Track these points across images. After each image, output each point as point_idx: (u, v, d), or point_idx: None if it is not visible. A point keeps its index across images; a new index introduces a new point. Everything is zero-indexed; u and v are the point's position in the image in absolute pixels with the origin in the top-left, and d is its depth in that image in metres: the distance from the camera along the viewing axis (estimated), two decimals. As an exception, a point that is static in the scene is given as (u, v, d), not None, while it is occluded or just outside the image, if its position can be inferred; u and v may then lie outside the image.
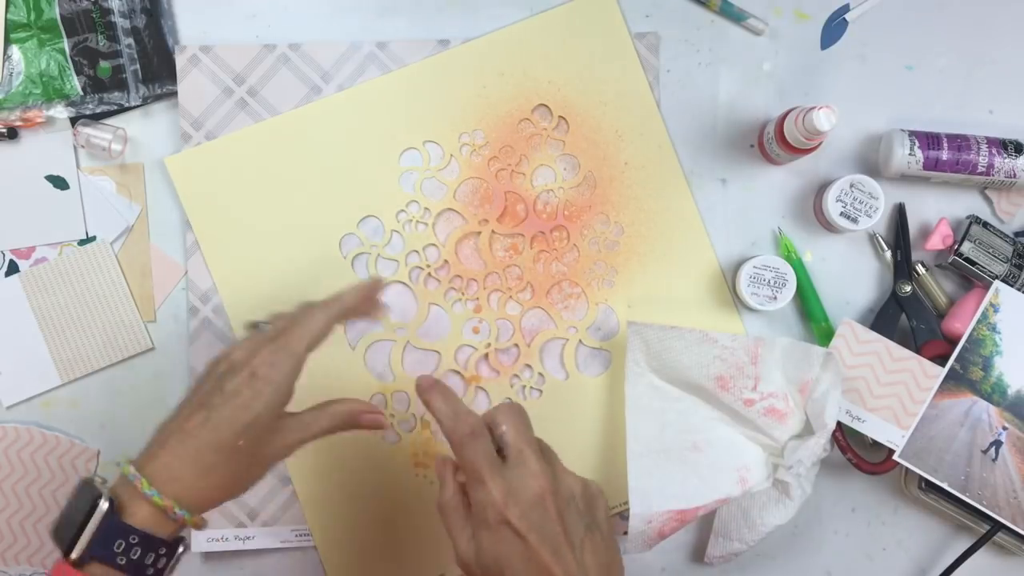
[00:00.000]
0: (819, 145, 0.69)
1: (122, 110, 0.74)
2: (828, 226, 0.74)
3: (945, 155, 0.71)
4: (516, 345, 0.74)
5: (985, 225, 0.72)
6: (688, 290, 0.74)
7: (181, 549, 0.56)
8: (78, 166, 0.74)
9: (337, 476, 0.74)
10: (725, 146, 0.75)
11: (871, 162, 0.75)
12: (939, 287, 0.74)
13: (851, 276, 0.75)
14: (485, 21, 0.75)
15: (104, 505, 0.54)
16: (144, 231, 0.74)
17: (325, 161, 0.74)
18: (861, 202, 0.71)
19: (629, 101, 0.74)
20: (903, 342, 0.72)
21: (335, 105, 0.74)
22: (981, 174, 0.72)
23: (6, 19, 0.73)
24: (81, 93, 0.73)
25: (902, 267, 0.73)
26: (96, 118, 0.74)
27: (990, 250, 0.72)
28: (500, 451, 0.55)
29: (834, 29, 0.75)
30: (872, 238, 0.75)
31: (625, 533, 0.71)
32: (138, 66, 0.73)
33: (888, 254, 0.74)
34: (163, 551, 0.55)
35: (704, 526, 0.75)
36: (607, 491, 0.74)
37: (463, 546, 0.54)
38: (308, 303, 0.63)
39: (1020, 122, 0.75)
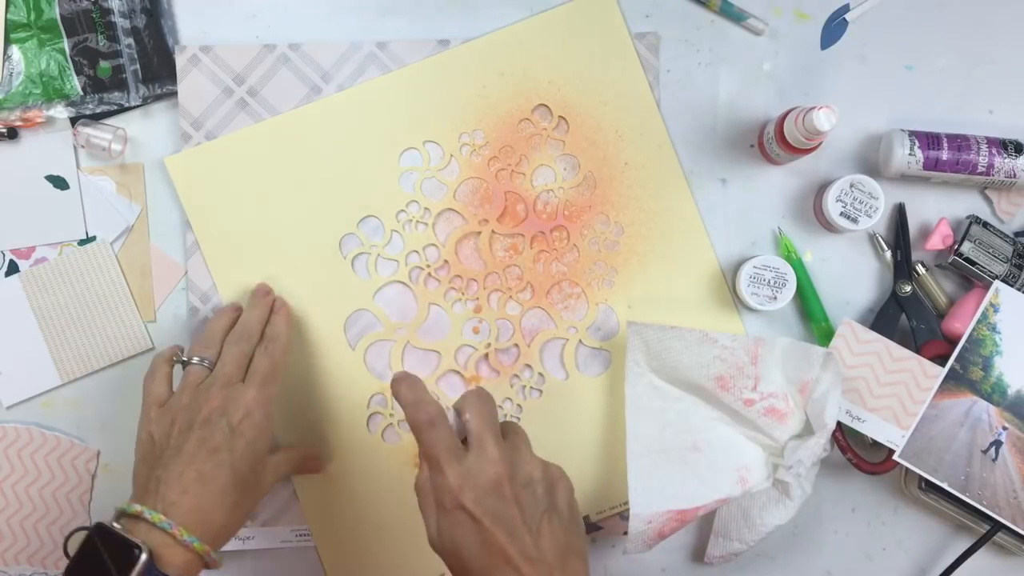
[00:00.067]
0: (819, 145, 0.69)
1: (122, 110, 0.74)
2: (828, 226, 0.74)
3: (945, 155, 0.71)
4: (516, 345, 0.74)
5: (985, 225, 0.72)
6: (688, 290, 0.74)
7: None
8: (78, 166, 0.74)
9: (337, 476, 0.74)
10: (725, 146, 0.75)
11: (871, 162, 0.75)
12: (939, 287, 0.74)
13: (851, 276, 0.75)
14: (485, 21, 0.75)
15: (144, 557, 0.55)
16: (144, 231, 0.74)
17: (325, 161, 0.74)
18: (861, 202, 0.71)
19: (629, 101, 0.74)
20: (903, 342, 0.72)
21: (335, 105, 0.74)
22: (981, 174, 0.72)
23: (6, 19, 0.73)
24: (81, 93, 0.73)
25: (902, 267, 0.73)
26: (96, 118, 0.74)
27: (990, 250, 0.72)
28: (465, 440, 0.56)
29: (834, 29, 0.75)
30: (872, 238, 0.75)
31: (625, 533, 0.71)
32: (138, 66, 0.73)
33: (888, 254, 0.74)
34: None
35: (704, 526, 0.75)
36: (607, 491, 0.74)
37: (430, 527, 0.55)
38: (235, 332, 0.68)
39: (1020, 122, 0.75)
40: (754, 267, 0.72)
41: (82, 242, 0.74)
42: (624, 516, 0.74)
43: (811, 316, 0.74)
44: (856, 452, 0.72)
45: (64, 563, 0.73)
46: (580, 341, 0.74)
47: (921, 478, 0.72)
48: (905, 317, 0.73)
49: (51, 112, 0.73)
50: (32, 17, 0.73)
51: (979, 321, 0.71)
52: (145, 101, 0.74)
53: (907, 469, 0.72)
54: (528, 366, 0.74)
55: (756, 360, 0.70)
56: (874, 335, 0.71)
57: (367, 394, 0.74)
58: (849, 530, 0.76)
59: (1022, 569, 0.76)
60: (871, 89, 0.75)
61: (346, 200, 0.74)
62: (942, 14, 0.76)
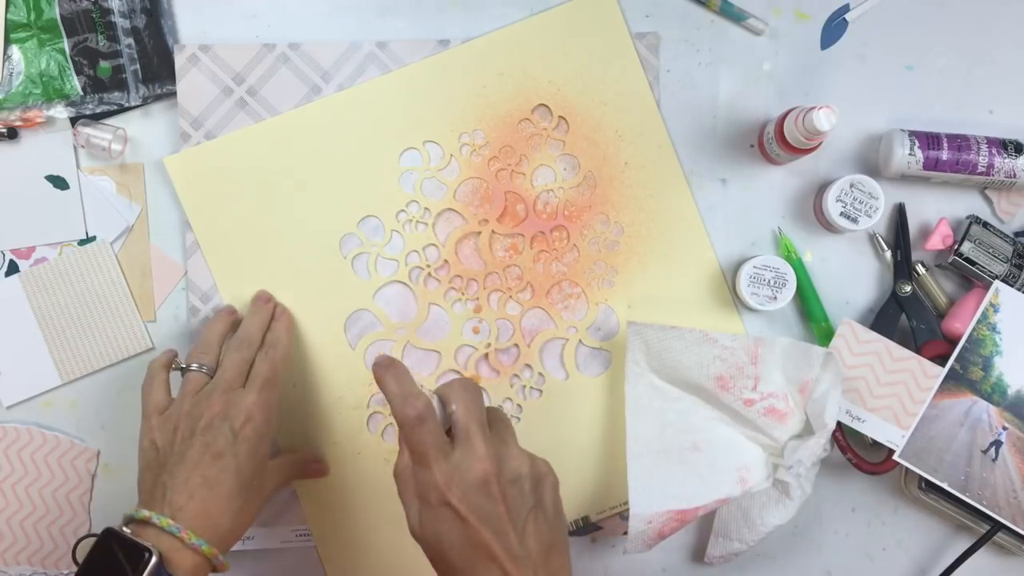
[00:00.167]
0: (819, 145, 0.69)
1: (122, 110, 0.74)
2: (828, 226, 0.74)
3: (945, 155, 0.71)
4: (516, 345, 0.74)
5: (985, 225, 0.72)
6: (688, 290, 0.74)
7: None
8: (78, 166, 0.74)
9: (337, 477, 0.74)
10: (725, 146, 0.75)
11: (871, 162, 0.75)
12: (939, 287, 0.74)
13: (851, 276, 0.75)
14: (485, 21, 0.75)
15: (154, 559, 0.56)
16: (144, 231, 0.74)
17: (325, 161, 0.74)
18: (861, 202, 0.71)
19: (629, 101, 0.74)
20: (903, 342, 0.72)
21: (335, 105, 0.74)
22: (981, 174, 0.72)
23: (6, 19, 0.73)
24: (81, 93, 0.73)
25: (902, 267, 0.73)
26: (96, 118, 0.74)
27: (990, 250, 0.72)
28: (449, 430, 0.56)
29: (834, 29, 0.75)
30: (872, 238, 0.75)
31: (625, 533, 0.71)
32: (138, 66, 0.73)
33: (888, 254, 0.74)
34: None
35: (704, 526, 0.75)
36: (607, 491, 0.74)
37: (411, 517, 0.55)
38: (236, 337, 0.69)
39: (1020, 122, 0.75)
40: (754, 267, 0.72)
41: (82, 242, 0.74)
42: (624, 516, 0.74)
43: (811, 316, 0.74)
44: (856, 452, 0.72)
45: (66, 565, 0.73)
46: (580, 341, 0.74)
47: (921, 478, 0.72)
48: (905, 317, 0.73)
49: (51, 112, 0.73)
50: (32, 17, 0.73)
51: (979, 321, 0.71)
52: (145, 101, 0.74)
53: (907, 469, 0.72)
54: (528, 366, 0.74)
55: (756, 360, 0.69)
56: (874, 335, 0.71)
57: (367, 394, 0.74)
58: (849, 530, 0.76)
59: (1022, 569, 0.76)
60: (871, 89, 0.75)
61: (346, 200, 0.74)
62: (942, 14, 0.76)
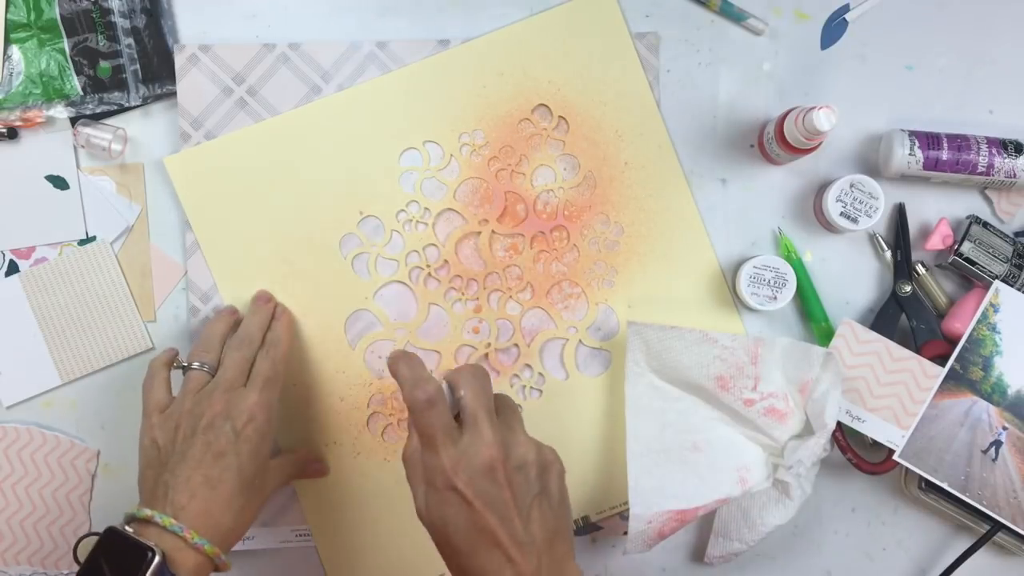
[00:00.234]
0: (819, 145, 0.69)
1: (122, 110, 0.74)
2: (828, 226, 0.74)
3: (945, 155, 0.71)
4: (516, 345, 0.74)
5: (985, 225, 0.72)
6: (688, 290, 0.74)
7: None
8: (78, 166, 0.74)
9: (337, 476, 0.74)
10: (725, 146, 0.75)
11: (871, 162, 0.75)
12: (939, 287, 0.74)
13: (851, 276, 0.75)
14: (485, 21, 0.75)
15: (157, 559, 0.56)
16: (144, 231, 0.74)
17: (325, 161, 0.74)
18: (861, 202, 0.71)
19: (629, 101, 0.74)
20: (903, 342, 0.72)
21: (335, 105, 0.74)
22: (981, 174, 0.72)
23: (6, 19, 0.73)
24: (81, 93, 0.73)
25: (902, 267, 0.73)
26: (96, 118, 0.74)
27: (990, 250, 0.72)
28: (458, 416, 0.56)
29: (834, 29, 0.75)
30: (872, 238, 0.75)
31: (625, 533, 0.71)
32: (138, 66, 0.73)
33: (888, 254, 0.74)
34: None
35: (704, 526, 0.75)
36: (607, 491, 0.74)
37: (418, 500, 0.55)
38: (236, 337, 0.69)
39: (1020, 122, 0.75)
40: (754, 267, 0.72)
41: (82, 242, 0.74)
42: (624, 516, 0.74)
43: (811, 316, 0.74)
44: (856, 452, 0.72)
45: (67, 564, 0.73)
46: (580, 341, 0.74)
47: (921, 478, 0.72)
48: (905, 317, 0.73)
49: (51, 112, 0.73)
50: (32, 17, 0.73)
51: (979, 321, 0.71)
52: (145, 101, 0.74)
53: (907, 469, 0.72)
54: (528, 366, 0.74)
55: (756, 360, 0.70)
56: (874, 335, 0.71)
57: (367, 394, 0.74)
58: (849, 530, 0.76)
59: (1022, 569, 0.76)
60: (871, 89, 0.75)
61: (346, 200, 0.74)
62: (942, 14, 0.76)
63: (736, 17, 0.75)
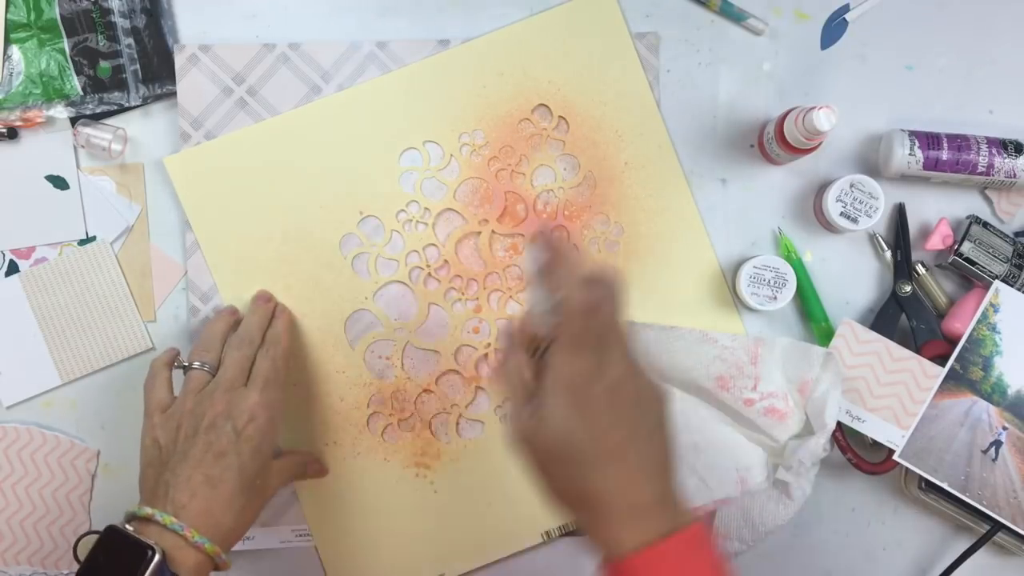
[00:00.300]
0: (819, 145, 0.69)
1: (122, 110, 0.74)
2: (828, 226, 0.74)
3: (945, 155, 0.71)
4: (516, 345, 0.74)
5: (985, 225, 0.72)
6: (688, 290, 0.74)
7: None
8: (78, 166, 0.74)
9: (337, 476, 0.74)
10: (725, 146, 0.75)
11: (871, 162, 0.75)
12: (939, 287, 0.74)
13: (851, 276, 0.75)
14: (485, 21, 0.75)
15: (157, 557, 0.56)
16: (144, 231, 0.74)
17: (325, 161, 0.74)
18: (861, 202, 0.71)
19: (629, 101, 0.74)
20: (903, 342, 0.72)
21: (335, 105, 0.74)
22: (981, 174, 0.72)
23: (6, 19, 0.73)
24: (81, 93, 0.73)
25: (902, 267, 0.73)
26: (96, 118, 0.74)
27: (990, 250, 0.72)
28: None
29: (834, 29, 0.75)
30: (872, 238, 0.75)
31: (625, 533, 0.71)
32: (138, 66, 0.73)
33: (888, 254, 0.74)
34: None
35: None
36: (607, 491, 0.74)
37: (523, 418, 0.52)
38: (236, 336, 0.68)
39: (1020, 122, 0.75)
40: (754, 267, 0.72)
41: (82, 242, 0.74)
42: (624, 516, 0.74)
43: (811, 316, 0.74)
44: (856, 452, 0.72)
45: (67, 564, 0.73)
46: (580, 341, 0.74)
47: (921, 478, 0.72)
48: (905, 317, 0.73)
49: (51, 112, 0.73)
50: (32, 17, 0.73)
51: (979, 321, 0.71)
52: (145, 101, 0.74)
53: (907, 469, 0.72)
54: (528, 366, 0.74)
55: (756, 360, 0.69)
56: (874, 335, 0.71)
57: (367, 394, 0.74)
58: (849, 530, 0.76)
59: (1022, 569, 0.76)
60: (871, 89, 0.75)
61: (346, 200, 0.74)
62: (942, 14, 0.76)
63: (736, 17, 0.75)
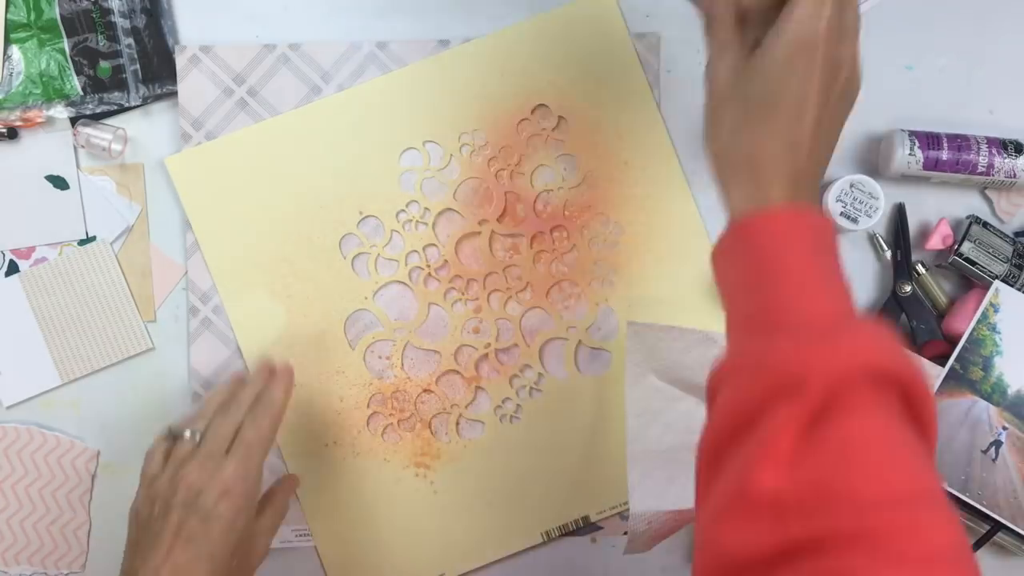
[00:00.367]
0: (819, 145, 0.69)
1: (122, 110, 0.74)
2: (828, 226, 0.73)
3: (945, 155, 0.71)
4: (516, 345, 0.74)
5: (985, 225, 0.72)
6: (688, 290, 0.74)
7: None
8: (78, 166, 0.74)
9: (337, 476, 0.74)
10: (725, 146, 0.75)
11: (871, 162, 0.75)
12: (939, 287, 0.74)
13: (851, 276, 0.74)
14: (485, 21, 0.75)
15: None
16: (144, 231, 0.74)
17: (325, 161, 0.74)
18: (861, 202, 0.71)
19: (629, 101, 0.74)
20: (903, 342, 0.72)
21: (335, 105, 0.74)
22: (981, 174, 0.72)
23: (6, 19, 0.73)
24: (81, 93, 0.73)
25: (902, 267, 0.73)
26: (96, 118, 0.74)
27: (990, 250, 0.72)
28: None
29: (834, 29, 0.75)
30: (872, 238, 0.75)
31: (625, 533, 0.71)
32: (138, 66, 0.73)
33: (888, 254, 0.74)
34: None
35: (704, 526, 0.75)
36: (607, 491, 0.74)
37: (724, 66, 0.51)
38: (225, 403, 0.65)
39: (1020, 122, 0.75)
40: (754, 267, 0.72)
41: (82, 242, 0.74)
42: (624, 516, 0.74)
43: (811, 316, 0.74)
44: (856, 452, 0.72)
45: (66, 565, 0.73)
46: (580, 341, 0.74)
47: (921, 478, 0.71)
48: (905, 317, 0.73)
49: (51, 112, 0.73)
50: (32, 17, 0.73)
51: (979, 321, 0.71)
52: (145, 101, 0.74)
53: (907, 469, 0.71)
54: (528, 366, 0.74)
55: (756, 360, 0.69)
56: (874, 335, 0.71)
57: (367, 394, 0.74)
58: (849, 530, 0.76)
59: (1022, 569, 0.76)
60: (871, 89, 0.75)
61: (346, 200, 0.74)
62: (942, 14, 0.76)
63: (736, 17, 0.75)
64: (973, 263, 0.71)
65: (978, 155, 0.71)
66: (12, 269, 0.74)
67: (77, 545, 0.74)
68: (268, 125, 0.74)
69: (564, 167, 0.75)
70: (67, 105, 0.73)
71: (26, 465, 0.74)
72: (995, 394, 0.71)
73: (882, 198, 0.71)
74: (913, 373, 0.45)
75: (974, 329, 0.71)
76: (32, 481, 0.74)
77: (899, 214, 0.74)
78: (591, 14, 0.74)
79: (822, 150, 0.52)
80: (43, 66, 0.73)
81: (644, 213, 0.75)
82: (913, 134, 0.72)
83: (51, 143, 0.74)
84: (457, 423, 0.74)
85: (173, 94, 0.74)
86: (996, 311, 0.71)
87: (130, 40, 0.73)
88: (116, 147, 0.73)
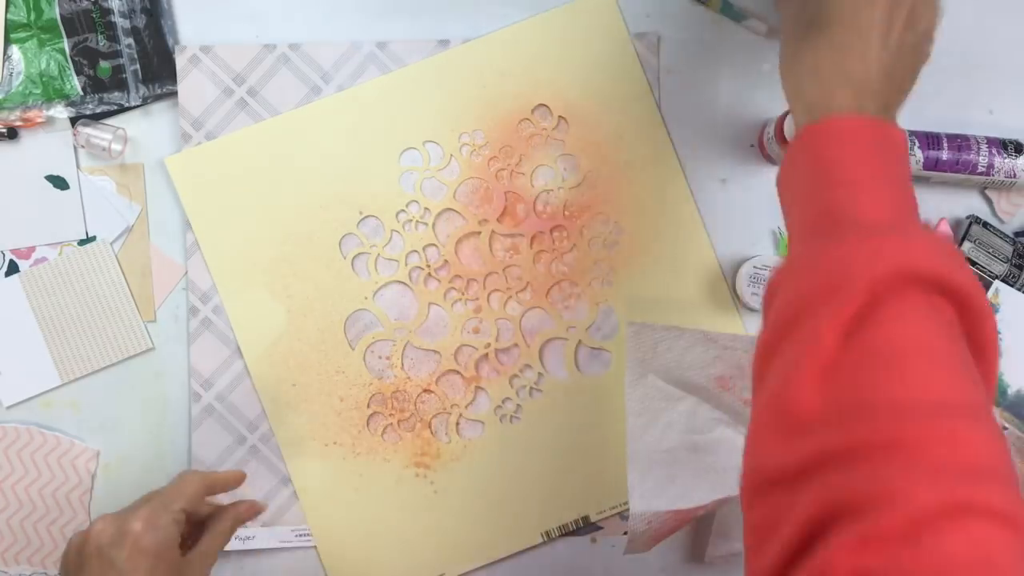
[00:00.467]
0: (819, 145, 0.69)
1: (122, 110, 0.74)
2: (828, 226, 0.73)
3: (945, 155, 0.71)
4: (516, 345, 0.74)
5: (985, 225, 0.72)
6: (688, 290, 0.74)
7: None
8: (78, 166, 0.74)
9: (337, 476, 0.74)
10: (725, 146, 0.75)
11: (871, 162, 0.75)
12: (939, 287, 0.74)
13: (851, 276, 0.75)
14: (485, 21, 0.75)
15: None
16: (144, 231, 0.74)
17: (325, 161, 0.74)
18: (861, 202, 0.71)
19: (629, 101, 0.74)
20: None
21: (335, 105, 0.74)
22: (981, 174, 0.72)
23: (6, 19, 0.73)
24: (81, 93, 0.73)
25: (902, 267, 0.73)
26: (96, 118, 0.74)
27: (990, 250, 0.72)
28: None
29: (834, 29, 0.75)
30: (872, 238, 0.75)
31: (625, 533, 0.71)
32: (138, 66, 0.73)
33: (888, 254, 0.74)
34: None
35: (704, 526, 0.75)
36: (607, 491, 0.74)
37: (876, 51, 0.52)
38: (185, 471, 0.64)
39: (1020, 122, 0.75)
40: (754, 267, 0.72)
41: (82, 242, 0.74)
42: (624, 516, 0.74)
43: (811, 316, 0.74)
44: (856, 452, 0.72)
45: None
46: (580, 341, 0.74)
47: (921, 478, 0.71)
48: (905, 317, 0.73)
49: (51, 112, 0.73)
50: (32, 17, 0.73)
51: (979, 321, 0.71)
52: (145, 101, 0.74)
53: (907, 469, 0.71)
54: (528, 366, 0.74)
55: (756, 360, 0.69)
56: (874, 335, 0.71)
57: (367, 394, 0.74)
58: (849, 530, 0.76)
59: (1022, 569, 0.76)
60: (871, 89, 0.75)
61: (346, 200, 0.74)
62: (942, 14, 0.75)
63: (736, 17, 0.75)
64: (973, 263, 0.71)
65: (978, 155, 0.71)
66: (12, 269, 0.74)
67: (77, 545, 0.74)
68: (268, 125, 0.74)
69: (564, 167, 0.75)
70: (67, 105, 0.73)
71: (26, 465, 0.74)
72: (995, 394, 0.71)
73: (882, 198, 0.71)
74: (972, 287, 0.43)
75: (974, 329, 0.71)
76: (32, 481, 0.74)
77: (899, 214, 0.74)
78: (591, 14, 0.74)
79: (894, 72, 0.52)
80: (43, 66, 0.73)
81: (644, 213, 0.75)
82: (913, 134, 0.72)
83: (51, 143, 0.74)
84: (457, 423, 0.74)
85: (173, 94, 0.74)
86: (996, 311, 0.71)
87: (130, 40, 0.73)
88: (116, 147, 0.73)
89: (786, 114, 0.69)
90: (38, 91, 0.73)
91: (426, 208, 0.74)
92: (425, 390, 0.74)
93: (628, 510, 0.69)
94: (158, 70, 0.74)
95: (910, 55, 0.53)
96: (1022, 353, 0.71)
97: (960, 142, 0.71)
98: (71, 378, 0.74)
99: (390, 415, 0.74)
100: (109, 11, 0.73)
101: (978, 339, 0.43)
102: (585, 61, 0.74)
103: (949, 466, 0.37)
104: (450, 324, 0.74)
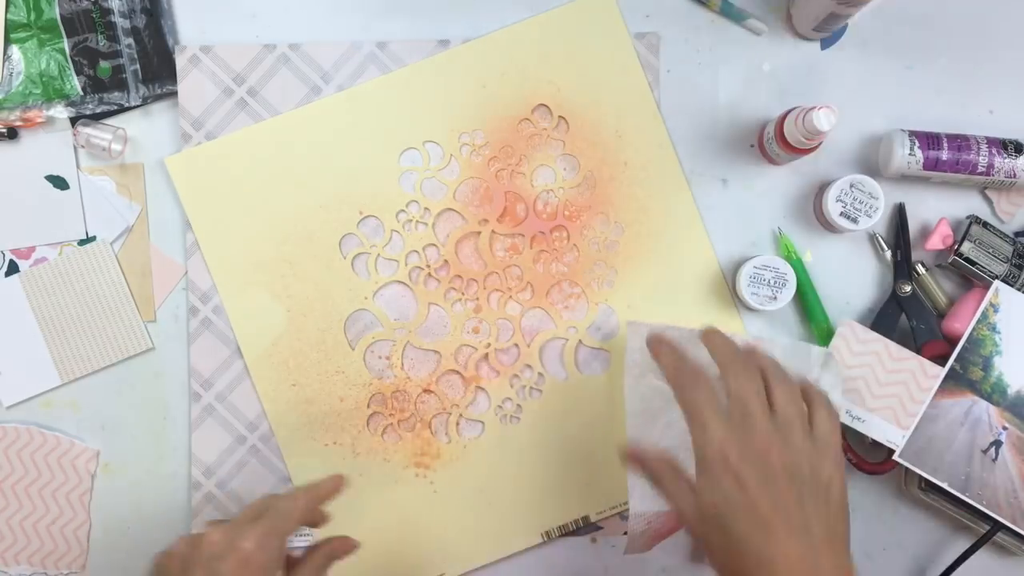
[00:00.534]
0: (819, 145, 0.69)
1: (122, 110, 0.74)
2: (828, 226, 0.74)
3: (945, 155, 0.71)
4: (516, 345, 0.74)
5: (985, 225, 0.72)
6: (688, 290, 0.74)
7: None
8: (78, 166, 0.74)
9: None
10: (725, 146, 0.75)
11: (871, 162, 0.75)
12: (939, 287, 0.74)
13: (851, 276, 0.75)
14: (485, 21, 0.75)
15: None
16: (144, 231, 0.75)
17: (325, 161, 0.74)
18: (861, 202, 0.71)
19: (629, 101, 0.74)
20: (903, 342, 0.72)
21: (335, 105, 0.74)
22: (981, 174, 0.72)
23: (6, 19, 0.73)
24: (81, 93, 0.73)
25: (902, 267, 0.73)
26: (96, 118, 0.74)
27: (990, 250, 0.72)
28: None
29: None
30: (872, 238, 0.75)
31: (625, 533, 0.71)
32: (138, 66, 0.73)
33: (888, 254, 0.74)
34: None
35: (704, 526, 0.75)
36: (607, 491, 0.74)
37: (684, 503, 0.54)
38: (273, 495, 0.62)
39: (1020, 122, 0.75)
40: (754, 267, 0.72)
41: (82, 242, 0.74)
42: (624, 516, 0.74)
43: (811, 316, 0.74)
44: (856, 452, 0.72)
45: (66, 565, 0.73)
46: (580, 341, 0.74)
47: (921, 478, 0.72)
48: (905, 317, 0.73)
49: (51, 112, 0.73)
50: (32, 17, 0.73)
51: (979, 321, 0.71)
52: (145, 101, 0.74)
53: (907, 469, 0.72)
54: (528, 366, 0.74)
55: (756, 360, 0.69)
56: (874, 335, 0.71)
57: (367, 394, 0.74)
58: (849, 530, 0.76)
59: (1022, 569, 0.76)
60: (871, 89, 0.75)
61: (346, 200, 0.74)
62: (942, 14, 0.76)
63: (736, 17, 0.75)
64: (973, 263, 0.71)
65: (978, 155, 0.71)
66: (12, 269, 0.74)
67: (77, 545, 0.74)
68: (268, 125, 0.74)
69: (564, 167, 0.75)
70: (67, 105, 0.73)
71: (26, 465, 0.74)
72: (995, 394, 0.71)
73: (882, 198, 0.71)
74: None
75: (974, 329, 0.71)
76: (32, 481, 0.74)
77: (899, 214, 0.74)
78: (591, 14, 0.74)
79: (834, 532, 0.54)
80: (43, 66, 0.73)
81: (644, 213, 0.75)
82: (913, 134, 0.72)
83: (51, 143, 0.74)
84: (457, 423, 0.74)
85: (173, 94, 0.74)
86: (996, 311, 0.71)
87: (130, 40, 0.73)
88: (116, 147, 0.73)
89: (786, 114, 0.69)
90: (38, 91, 0.73)
91: (426, 208, 0.74)
92: (425, 390, 0.74)
93: (628, 510, 0.69)
94: (158, 70, 0.74)
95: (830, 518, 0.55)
96: (1022, 353, 0.71)
97: (960, 142, 0.71)
98: (71, 378, 0.74)
99: (390, 415, 0.74)
100: (109, 11, 0.73)
101: None
102: (585, 61, 0.74)
103: None
104: (450, 324, 0.74)
